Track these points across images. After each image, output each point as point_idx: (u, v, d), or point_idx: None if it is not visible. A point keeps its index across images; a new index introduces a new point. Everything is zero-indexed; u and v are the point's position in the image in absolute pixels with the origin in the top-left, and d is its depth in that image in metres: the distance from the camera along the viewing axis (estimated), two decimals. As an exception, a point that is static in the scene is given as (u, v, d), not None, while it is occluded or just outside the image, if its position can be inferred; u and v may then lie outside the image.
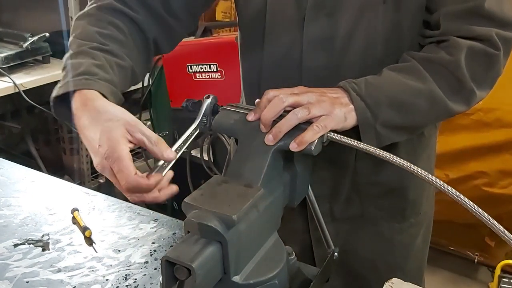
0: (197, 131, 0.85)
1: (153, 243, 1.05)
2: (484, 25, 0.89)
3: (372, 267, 1.11)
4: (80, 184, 2.43)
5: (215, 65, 2.13)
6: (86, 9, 0.96)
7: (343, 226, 1.09)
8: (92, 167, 2.74)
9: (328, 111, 0.80)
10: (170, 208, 2.47)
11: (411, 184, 1.08)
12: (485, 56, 0.90)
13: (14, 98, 2.37)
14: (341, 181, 1.06)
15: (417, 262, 1.18)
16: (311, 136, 0.77)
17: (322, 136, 0.78)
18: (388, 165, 0.98)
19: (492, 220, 0.66)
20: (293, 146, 0.76)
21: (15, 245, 1.03)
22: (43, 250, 1.02)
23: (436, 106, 0.90)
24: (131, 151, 0.73)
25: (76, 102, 0.79)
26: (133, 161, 0.73)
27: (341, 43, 0.95)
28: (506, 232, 0.67)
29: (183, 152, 0.81)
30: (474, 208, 0.67)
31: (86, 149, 2.77)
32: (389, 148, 0.83)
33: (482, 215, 0.67)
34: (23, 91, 2.14)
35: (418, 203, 1.12)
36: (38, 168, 2.43)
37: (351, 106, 0.84)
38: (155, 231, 1.09)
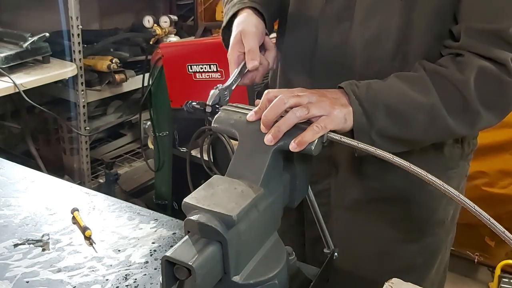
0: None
1: (153, 243, 1.05)
2: (504, 49, 0.85)
3: (366, 272, 1.07)
4: (80, 184, 2.43)
5: (215, 65, 2.13)
6: None
7: (342, 216, 1.09)
8: (92, 167, 2.76)
9: (328, 112, 0.81)
10: (170, 208, 2.46)
11: (416, 198, 1.05)
12: (496, 81, 0.86)
13: (14, 98, 2.37)
14: (339, 168, 1.06)
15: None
16: (310, 136, 0.77)
17: (322, 136, 0.79)
18: (393, 173, 0.96)
19: (492, 220, 0.66)
20: (293, 147, 0.76)
21: (15, 245, 1.03)
22: (43, 250, 1.02)
23: (436, 123, 0.88)
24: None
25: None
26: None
27: (354, 28, 0.95)
28: (506, 232, 0.67)
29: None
30: (474, 208, 0.67)
31: (86, 149, 2.74)
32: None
33: (482, 215, 0.67)
34: (23, 91, 2.13)
35: (424, 223, 1.08)
36: (38, 168, 2.43)
37: (350, 108, 0.84)
38: (155, 231, 1.09)
